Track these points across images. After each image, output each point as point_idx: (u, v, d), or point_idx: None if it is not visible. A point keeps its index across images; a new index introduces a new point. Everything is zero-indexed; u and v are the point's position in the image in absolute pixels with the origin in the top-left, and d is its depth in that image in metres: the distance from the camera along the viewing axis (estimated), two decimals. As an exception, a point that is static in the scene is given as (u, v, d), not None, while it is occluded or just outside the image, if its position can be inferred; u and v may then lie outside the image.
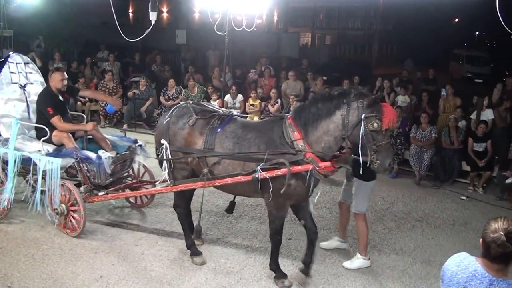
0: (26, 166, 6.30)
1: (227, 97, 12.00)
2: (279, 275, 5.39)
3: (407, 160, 9.80)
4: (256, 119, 11.51)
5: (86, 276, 5.30)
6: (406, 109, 11.12)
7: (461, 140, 9.62)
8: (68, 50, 17.75)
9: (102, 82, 13.08)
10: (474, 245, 6.83)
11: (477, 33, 43.66)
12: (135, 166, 7.03)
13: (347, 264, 5.90)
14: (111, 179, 6.48)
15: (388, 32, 34.93)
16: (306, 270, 5.44)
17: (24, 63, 7.05)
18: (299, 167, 4.90)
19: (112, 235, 6.33)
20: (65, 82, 6.68)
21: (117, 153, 6.61)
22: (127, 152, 6.78)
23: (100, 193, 6.36)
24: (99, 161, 6.21)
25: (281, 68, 15.45)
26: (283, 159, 4.89)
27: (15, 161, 6.21)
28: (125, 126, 12.30)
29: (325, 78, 13.83)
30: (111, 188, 6.50)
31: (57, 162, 6.06)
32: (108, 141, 6.76)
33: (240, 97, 12.13)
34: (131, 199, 7.22)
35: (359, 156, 4.88)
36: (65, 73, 6.72)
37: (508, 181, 8.73)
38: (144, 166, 7.10)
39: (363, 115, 4.71)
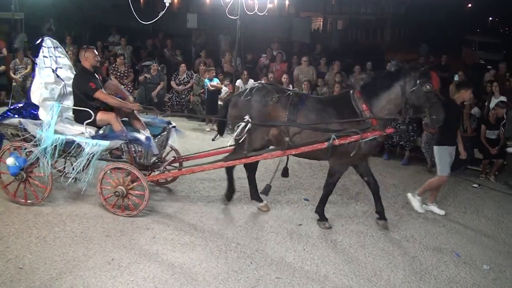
0: (66, 148, 6.35)
1: (239, 82, 11.95)
2: (322, 218, 6.51)
3: (419, 147, 9.71)
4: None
5: (97, 259, 5.34)
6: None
7: (474, 128, 9.50)
8: (79, 34, 17.74)
9: (113, 66, 13.02)
10: (485, 233, 6.82)
11: (490, 19, 43.09)
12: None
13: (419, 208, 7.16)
14: (155, 159, 6.66)
15: (400, 17, 34.43)
16: (382, 216, 6.62)
17: (54, 47, 6.97)
18: (369, 134, 5.94)
19: (124, 218, 6.34)
20: (98, 58, 6.84)
21: (154, 134, 6.75)
22: (164, 133, 6.97)
23: (156, 172, 6.80)
24: (148, 142, 6.34)
25: (292, 53, 15.32)
26: (355, 129, 5.93)
27: (57, 144, 6.25)
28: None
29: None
30: (153, 167, 6.81)
31: (104, 144, 6.21)
32: (143, 123, 6.86)
33: (251, 82, 12.07)
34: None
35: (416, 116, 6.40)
36: (95, 50, 6.79)
37: (509, 149, 8.70)
38: (170, 146, 7.37)
39: (418, 81, 5.80)
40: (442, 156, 7.04)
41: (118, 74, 12.70)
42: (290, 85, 11.63)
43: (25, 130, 6.45)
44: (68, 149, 6.33)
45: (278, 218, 6.67)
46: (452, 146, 7.11)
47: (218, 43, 17.31)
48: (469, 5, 37.85)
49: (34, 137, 6.38)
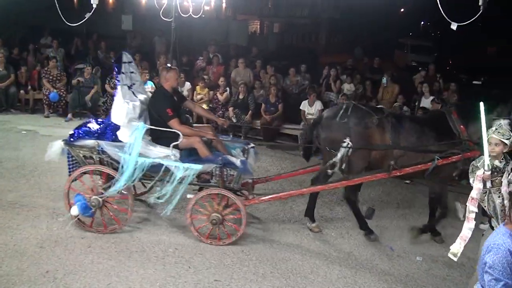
0: (148, 172, 5.96)
1: (175, 85, 11.84)
2: (436, 233, 6.66)
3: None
4: (205, 106, 11.49)
5: (32, 272, 5.15)
6: (351, 97, 11.32)
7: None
8: (10, 36, 16.99)
9: (45, 69, 12.58)
10: (417, 226, 7.07)
11: (422, 23, 44.80)
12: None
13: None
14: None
15: (335, 21, 35.20)
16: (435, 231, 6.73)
17: (128, 62, 6.48)
18: (469, 154, 5.96)
19: (58, 228, 6.15)
20: (179, 80, 6.29)
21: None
22: (245, 155, 6.57)
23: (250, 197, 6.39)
24: (244, 166, 5.97)
25: (229, 56, 15.35)
26: (456, 149, 6.05)
27: (142, 168, 5.84)
28: (69, 115, 11.99)
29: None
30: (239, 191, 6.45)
31: (197, 168, 5.84)
32: (223, 144, 6.54)
33: (188, 85, 12.01)
34: None
35: None
36: (178, 71, 6.39)
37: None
38: None
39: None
40: None
41: (51, 77, 12.32)
42: (227, 88, 11.74)
43: (103, 152, 5.99)
44: (152, 173, 5.97)
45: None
46: None
47: (154, 46, 17.07)
48: (402, 10, 39.21)
49: (114, 160, 5.99)
